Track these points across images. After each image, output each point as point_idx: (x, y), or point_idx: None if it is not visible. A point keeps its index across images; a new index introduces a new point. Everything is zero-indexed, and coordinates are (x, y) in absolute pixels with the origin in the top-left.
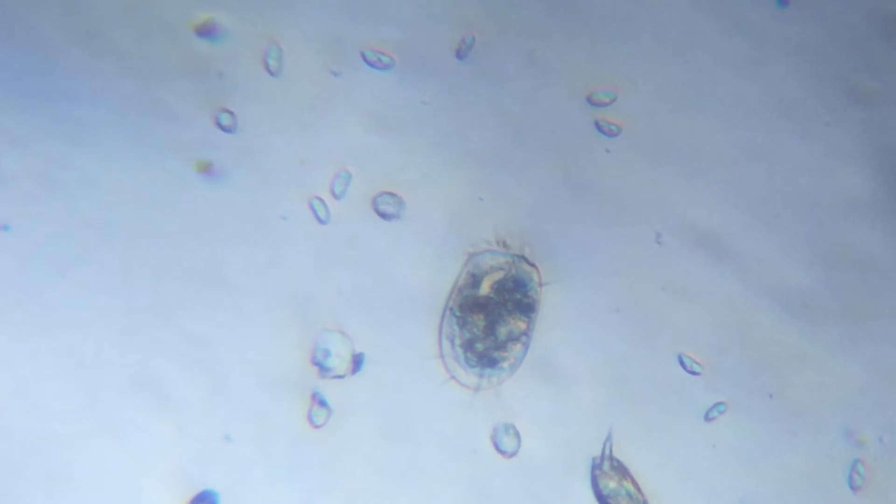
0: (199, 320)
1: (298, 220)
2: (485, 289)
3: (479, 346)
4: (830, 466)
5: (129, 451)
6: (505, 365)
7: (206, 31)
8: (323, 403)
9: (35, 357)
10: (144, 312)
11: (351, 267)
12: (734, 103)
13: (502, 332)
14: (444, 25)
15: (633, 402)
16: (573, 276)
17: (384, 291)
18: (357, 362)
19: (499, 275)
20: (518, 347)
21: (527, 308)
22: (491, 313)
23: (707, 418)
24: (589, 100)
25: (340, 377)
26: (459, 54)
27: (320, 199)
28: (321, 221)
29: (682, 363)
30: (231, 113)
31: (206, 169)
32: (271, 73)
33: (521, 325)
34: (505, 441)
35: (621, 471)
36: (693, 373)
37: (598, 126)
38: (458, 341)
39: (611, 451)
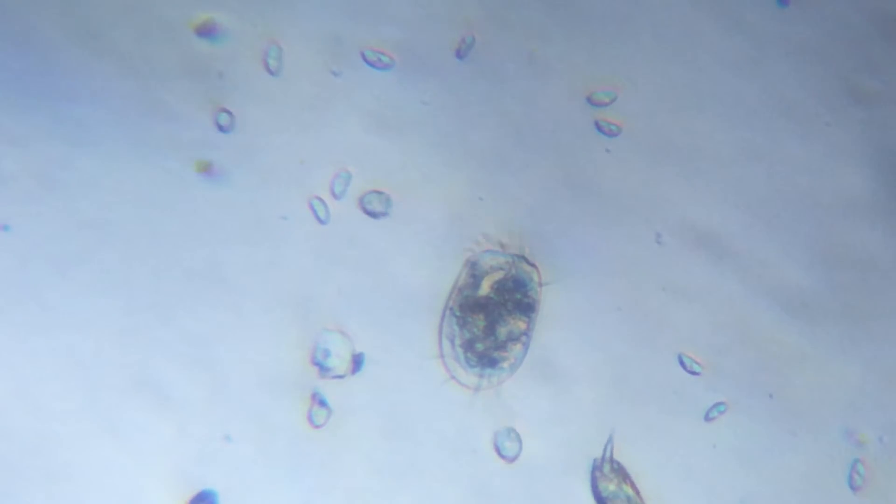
0: (199, 320)
1: (298, 220)
2: (485, 289)
3: (479, 346)
4: (830, 466)
5: (129, 451)
6: (505, 365)
7: (206, 31)
8: (323, 403)
9: (35, 357)
10: (144, 312)
11: (351, 267)
12: (734, 103)
13: (502, 332)
14: (444, 25)
15: (633, 402)
16: (573, 275)
17: (384, 291)
18: (357, 362)
19: (499, 275)
20: (518, 347)
21: (527, 308)
22: (491, 313)
23: (707, 418)
24: (589, 100)
25: (340, 377)
26: (459, 54)
27: (320, 199)
28: (321, 221)
29: (682, 363)
30: (231, 113)
31: (206, 169)
32: (271, 73)
33: (521, 325)
34: (507, 446)
35: (621, 474)
36: (693, 373)
37: (598, 126)
38: (458, 341)
39: (611, 453)
